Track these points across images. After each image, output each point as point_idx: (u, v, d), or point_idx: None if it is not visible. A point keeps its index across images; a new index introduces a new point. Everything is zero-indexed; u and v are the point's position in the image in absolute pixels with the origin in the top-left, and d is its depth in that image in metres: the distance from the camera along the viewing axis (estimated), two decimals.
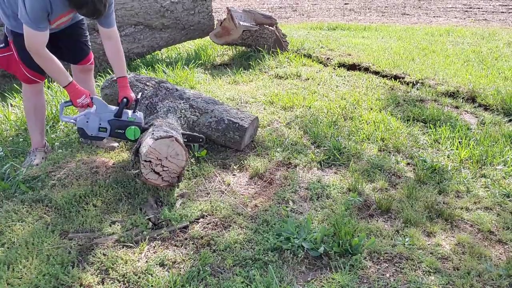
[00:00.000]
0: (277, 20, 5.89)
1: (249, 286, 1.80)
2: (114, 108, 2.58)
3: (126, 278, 1.84)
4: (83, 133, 2.59)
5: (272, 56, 5.28)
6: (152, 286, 1.79)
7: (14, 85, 3.87)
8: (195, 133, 2.83)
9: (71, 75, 2.96)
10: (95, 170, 2.64)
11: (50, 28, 2.40)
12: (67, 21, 2.56)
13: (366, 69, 4.97)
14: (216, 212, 2.28)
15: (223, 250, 2.01)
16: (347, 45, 6.13)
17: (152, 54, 5.22)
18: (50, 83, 3.84)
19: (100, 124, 2.54)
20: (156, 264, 1.92)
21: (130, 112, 2.62)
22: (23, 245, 1.99)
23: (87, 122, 2.54)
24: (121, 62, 2.67)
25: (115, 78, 2.66)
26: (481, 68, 4.97)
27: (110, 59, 2.66)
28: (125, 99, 2.59)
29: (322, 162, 2.84)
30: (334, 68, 5.03)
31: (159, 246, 2.04)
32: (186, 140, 2.70)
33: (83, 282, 1.81)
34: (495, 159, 2.89)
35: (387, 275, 1.90)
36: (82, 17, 2.70)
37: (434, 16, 10.17)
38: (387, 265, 1.97)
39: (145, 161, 2.31)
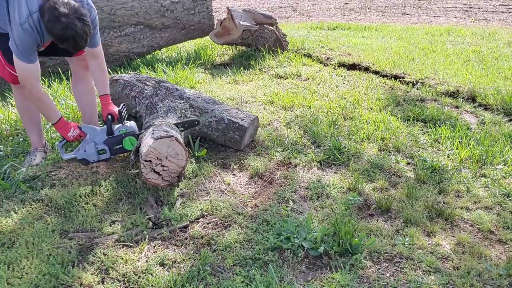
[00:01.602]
0: (277, 19, 5.89)
1: (249, 286, 1.80)
2: (104, 128, 2.62)
3: (126, 277, 1.84)
4: (87, 163, 2.65)
5: (272, 56, 5.29)
6: (152, 285, 1.79)
7: None
8: (188, 119, 2.82)
9: (70, 76, 2.96)
10: (95, 169, 2.64)
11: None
12: None
13: (366, 69, 4.98)
14: (216, 212, 2.28)
15: (223, 250, 2.01)
16: (347, 44, 6.13)
17: (152, 53, 5.22)
18: (52, 81, 3.84)
19: (97, 147, 2.59)
20: (156, 264, 1.92)
21: (119, 125, 2.66)
22: (23, 245, 1.99)
23: (85, 151, 2.60)
24: (105, 81, 2.70)
25: (100, 94, 2.70)
26: (481, 68, 4.97)
27: (94, 77, 2.70)
28: (109, 116, 2.62)
29: (322, 162, 2.84)
30: (334, 68, 5.03)
31: (159, 246, 2.04)
32: (182, 129, 2.70)
33: (83, 281, 1.81)
34: (495, 159, 2.89)
35: (387, 274, 1.90)
36: None
37: (434, 16, 10.17)
38: (387, 264, 1.97)
39: (145, 160, 2.31)
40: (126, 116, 2.72)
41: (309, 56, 5.55)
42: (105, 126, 2.61)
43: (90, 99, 2.92)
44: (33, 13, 2.21)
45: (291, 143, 3.05)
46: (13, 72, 2.54)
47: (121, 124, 2.66)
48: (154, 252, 2.01)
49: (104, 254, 1.96)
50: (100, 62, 2.67)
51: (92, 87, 2.94)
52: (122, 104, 2.71)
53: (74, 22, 2.15)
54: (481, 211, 2.38)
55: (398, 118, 3.55)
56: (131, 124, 2.68)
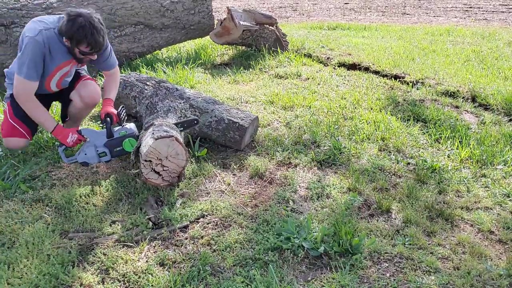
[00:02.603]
0: (277, 19, 5.89)
1: (249, 286, 1.80)
2: (104, 131, 2.63)
3: (126, 277, 1.84)
4: (88, 165, 2.65)
5: (272, 56, 5.28)
6: (152, 285, 1.79)
7: None
8: (187, 118, 2.82)
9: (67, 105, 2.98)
10: (95, 169, 2.64)
11: (51, 88, 2.63)
12: (66, 73, 2.67)
13: (366, 69, 4.97)
14: (216, 212, 2.28)
15: (223, 250, 2.01)
16: (347, 44, 6.13)
17: (153, 53, 5.22)
18: None
19: (97, 150, 2.60)
20: (156, 264, 1.92)
21: (119, 127, 2.66)
22: (23, 245, 1.99)
23: (85, 154, 2.60)
24: (113, 89, 2.80)
25: (105, 97, 2.75)
26: (481, 68, 4.97)
27: (105, 85, 2.80)
28: (108, 118, 2.62)
29: (322, 162, 2.84)
30: (334, 68, 5.03)
31: (159, 246, 2.04)
32: (182, 128, 2.70)
33: (83, 281, 1.81)
34: (495, 159, 2.89)
35: (387, 275, 1.90)
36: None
37: (434, 16, 10.17)
38: (387, 265, 1.97)
39: (145, 160, 2.31)
40: (125, 118, 2.72)
41: (309, 56, 5.55)
42: (105, 129, 2.61)
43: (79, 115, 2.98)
44: (48, 30, 2.39)
45: (291, 143, 3.05)
46: (15, 125, 2.62)
47: (120, 126, 2.66)
48: (154, 252, 2.01)
49: (104, 254, 1.96)
50: (115, 78, 2.82)
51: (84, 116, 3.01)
52: (121, 106, 2.72)
53: (91, 17, 2.34)
54: (481, 211, 2.38)
55: (398, 118, 3.55)
56: (131, 125, 2.68)
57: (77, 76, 2.81)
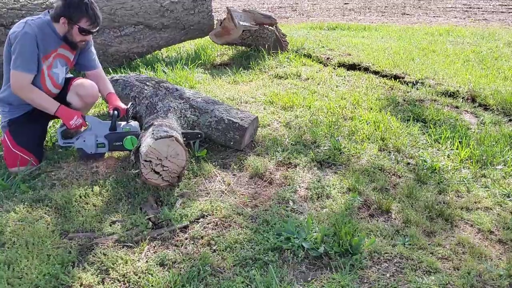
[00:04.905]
0: (277, 20, 5.89)
1: (249, 286, 1.79)
2: (108, 122, 2.61)
3: (126, 278, 1.84)
4: (83, 153, 2.65)
5: (272, 56, 5.28)
6: (152, 286, 1.79)
7: None
8: (192, 130, 2.83)
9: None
10: (95, 170, 2.64)
11: (47, 87, 2.61)
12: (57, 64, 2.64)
13: (366, 69, 4.98)
14: (216, 212, 2.28)
15: (223, 250, 2.01)
16: (347, 45, 6.13)
17: (152, 54, 5.22)
18: None
19: (97, 140, 2.59)
20: (156, 264, 1.92)
21: (124, 123, 2.66)
22: (23, 245, 1.99)
23: (84, 141, 2.59)
24: (110, 85, 2.84)
25: (106, 93, 2.78)
26: (481, 68, 4.97)
27: (99, 84, 2.81)
28: (116, 112, 2.61)
29: (322, 162, 2.84)
30: (334, 68, 5.03)
31: (159, 246, 2.04)
32: (184, 139, 2.70)
33: (83, 282, 1.80)
34: (495, 159, 2.89)
35: (387, 275, 1.90)
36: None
37: (434, 16, 10.18)
38: (387, 265, 1.97)
39: (145, 161, 2.31)
40: (132, 115, 2.72)
41: (309, 56, 5.55)
42: (107, 121, 2.60)
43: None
44: (32, 20, 2.43)
45: (291, 143, 3.05)
46: (20, 153, 2.59)
47: (125, 122, 2.65)
48: (154, 252, 2.00)
49: (104, 254, 1.96)
50: (104, 75, 2.84)
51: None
52: (130, 103, 2.72)
53: None
54: (481, 211, 2.38)
55: (398, 118, 3.55)
56: (136, 124, 2.68)
57: (68, 80, 2.79)
